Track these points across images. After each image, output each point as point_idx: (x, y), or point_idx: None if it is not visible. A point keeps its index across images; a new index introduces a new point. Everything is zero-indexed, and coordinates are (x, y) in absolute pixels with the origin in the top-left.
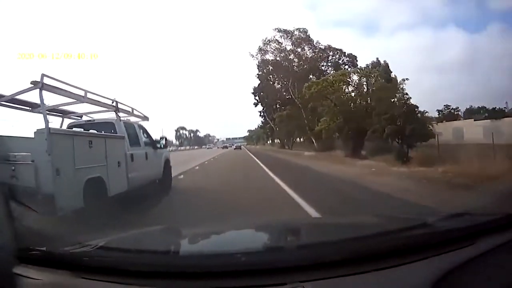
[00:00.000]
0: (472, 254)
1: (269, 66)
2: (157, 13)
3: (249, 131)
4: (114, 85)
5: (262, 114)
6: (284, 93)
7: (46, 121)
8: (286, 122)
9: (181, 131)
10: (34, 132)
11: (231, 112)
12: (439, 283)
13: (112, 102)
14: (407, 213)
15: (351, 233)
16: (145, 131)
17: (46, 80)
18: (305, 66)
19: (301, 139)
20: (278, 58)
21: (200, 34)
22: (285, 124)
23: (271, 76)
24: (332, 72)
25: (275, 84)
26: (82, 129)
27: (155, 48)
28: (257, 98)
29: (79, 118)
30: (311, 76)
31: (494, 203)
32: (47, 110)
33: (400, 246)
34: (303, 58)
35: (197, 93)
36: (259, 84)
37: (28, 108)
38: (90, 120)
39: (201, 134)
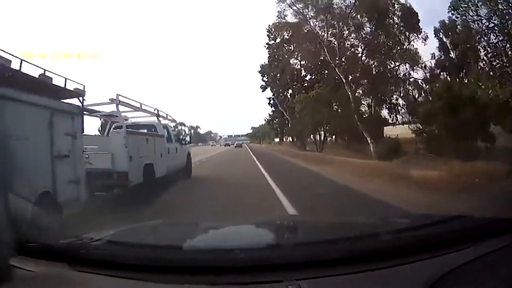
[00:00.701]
0: (471, 257)
1: (285, 33)
2: (154, 8)
3: (252, 128)
4: (113, 80)
5: (271, 101)
6: (304, 72)
7: (124, 125)
8: (312, 108)
9: (179, 127)
10: (111, 132)
11: (233, 109)
12: (436, 285)
13: (154, 110)
14: (406, 215)
15: (349, 233)
16: (173, 130)
17: (120, 98)
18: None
19: (332, 138)
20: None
21: (200, 20)
22: (310, 112)
23: (285, 46)
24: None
25: (295, 53)
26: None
27: (153, 41)
28: (265, 78)
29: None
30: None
31: (494, 206)
32: (102, 115)
33: (398, 247)
34: None
35: (199, 88)
36: (268, 58)
37: (86, 113)
38: (134, 122)
39: (202, 131)
